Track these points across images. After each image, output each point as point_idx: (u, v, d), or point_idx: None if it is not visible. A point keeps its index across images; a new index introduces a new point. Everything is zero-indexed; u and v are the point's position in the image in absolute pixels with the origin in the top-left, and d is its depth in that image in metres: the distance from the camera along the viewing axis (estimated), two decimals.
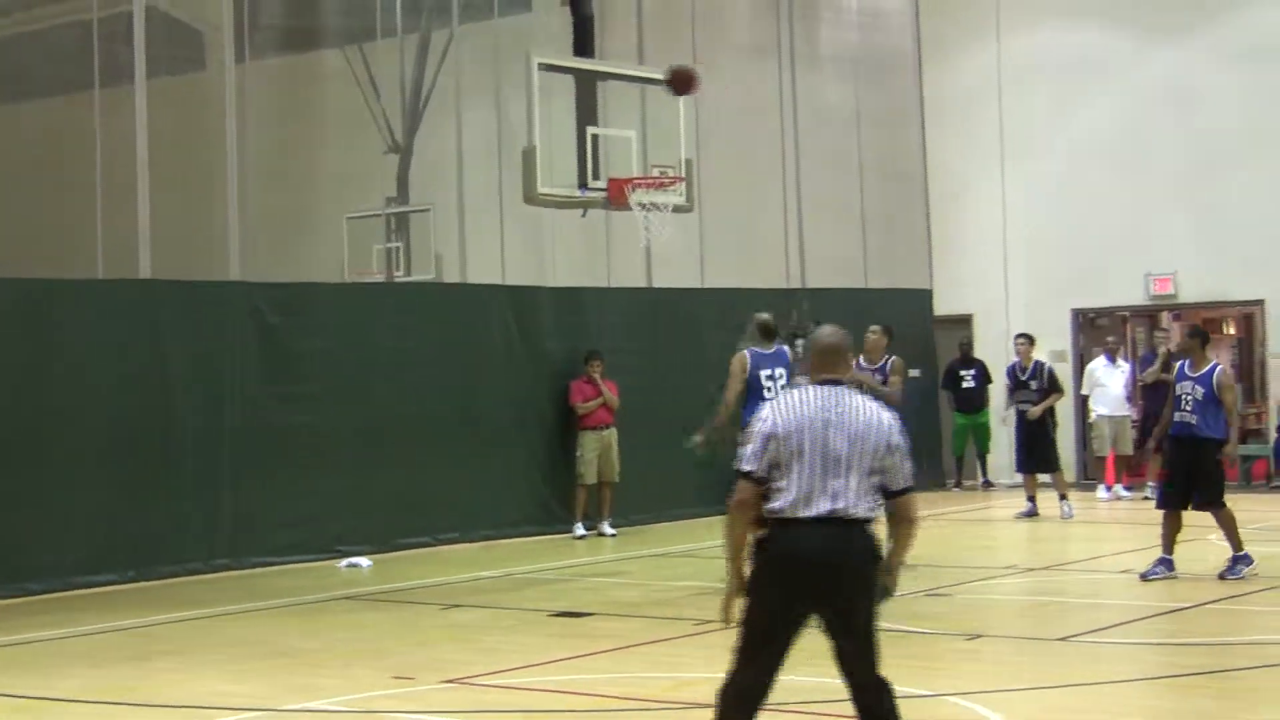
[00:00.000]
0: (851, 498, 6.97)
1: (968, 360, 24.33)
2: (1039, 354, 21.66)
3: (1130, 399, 23.06)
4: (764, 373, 14.46)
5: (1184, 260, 23.70)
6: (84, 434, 16.31)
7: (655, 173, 17.14)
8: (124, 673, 11.72)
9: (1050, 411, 20.88)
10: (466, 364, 19.53)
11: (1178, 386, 14.63)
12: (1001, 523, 20.51)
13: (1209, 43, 23.79)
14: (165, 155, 19.37)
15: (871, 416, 7.08)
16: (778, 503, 7.01)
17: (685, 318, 21.79)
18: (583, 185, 16.71)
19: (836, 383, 7.19)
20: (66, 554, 16.11)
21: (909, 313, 24.99)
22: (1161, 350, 22.66)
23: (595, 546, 19.21)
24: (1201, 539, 17.51)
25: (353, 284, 22.86)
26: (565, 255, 23.88)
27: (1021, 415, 20.90)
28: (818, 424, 7.01)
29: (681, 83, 16.31)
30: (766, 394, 14.02)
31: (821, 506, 6.96)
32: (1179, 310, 24.91)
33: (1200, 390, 14.37)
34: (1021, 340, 21.44)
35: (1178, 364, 14.93)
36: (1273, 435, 23.19)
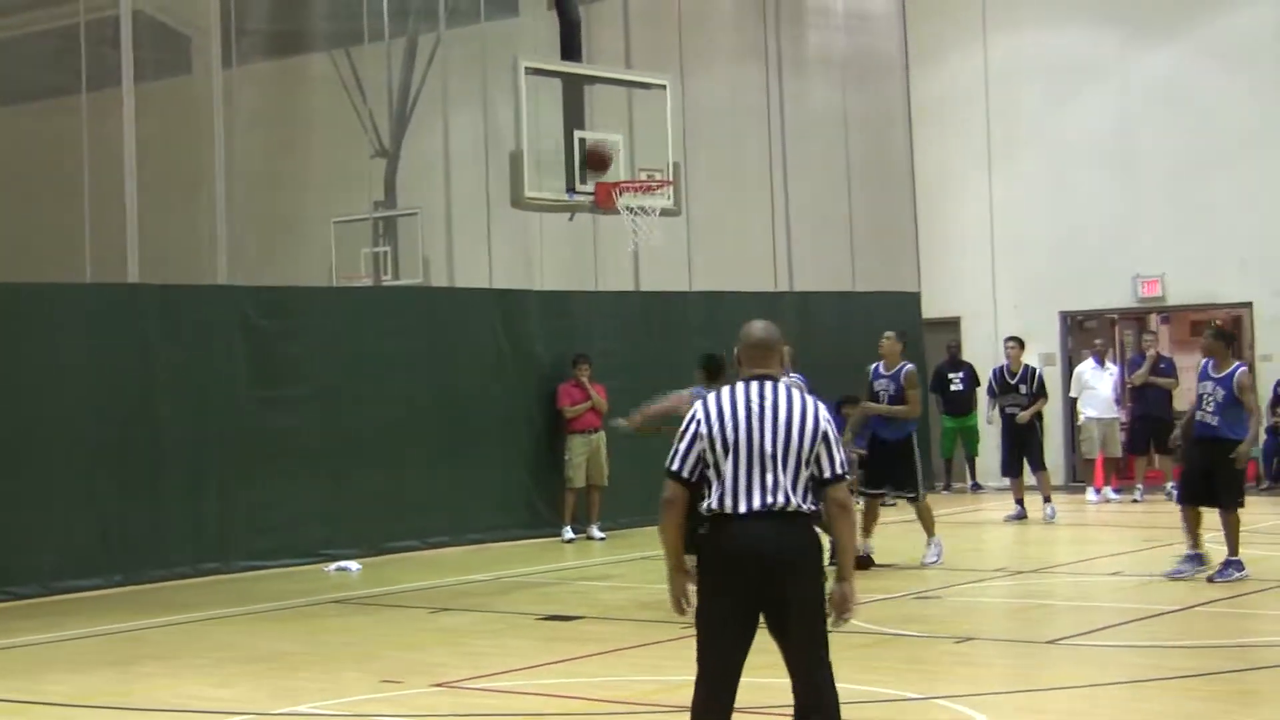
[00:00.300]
0: (786, 491, 6.95)
1: (956, 363, 24.32)
2: (1028, 358, 21.67)
3: (1119, 401, 23.07)
4: None
5: (1172, 262, 23.72)
6: (71, 438, 16.28)
7: (643, 176, 17.12)
8: (110, 677, 11.69)
9: (1038, 415, 20.91)
10: (454, 368, 19.51)
11: (1199, 387, 14.63)
12: (990, 525, 20.51)
13: (1195, 44, 23.82)
14: (152, 159, 19.34)
15: (802, 408, 7.07)
16: (713, 500, 7.02)
17: (673, 321, 21.77)
18: (570, 189, 16.70)
19: (767, 378, 7.17)
20: (53, 558, 16.08)
21: (897, 316, 24.97)
22: (1150, 353, 22.68)
23: (584, 550, 19.20)
24: None
25: (340, 288, 22.84)
26: (553, 259, 23.88)
27: (1009, 419, 20.89)
28: (749, 419, 7.01)
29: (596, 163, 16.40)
30: None
31: (756, 501, 6.95)
32: (1167, 312, 24.94)
33: (1221, 392, 14.36)
34: (1012, 344, 21.41)
35: (1201, 364, 14.92)
36: (1263, 438, 23.19)
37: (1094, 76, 24.53)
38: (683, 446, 7.11)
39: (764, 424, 7.01)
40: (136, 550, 16.68)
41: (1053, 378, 23.16)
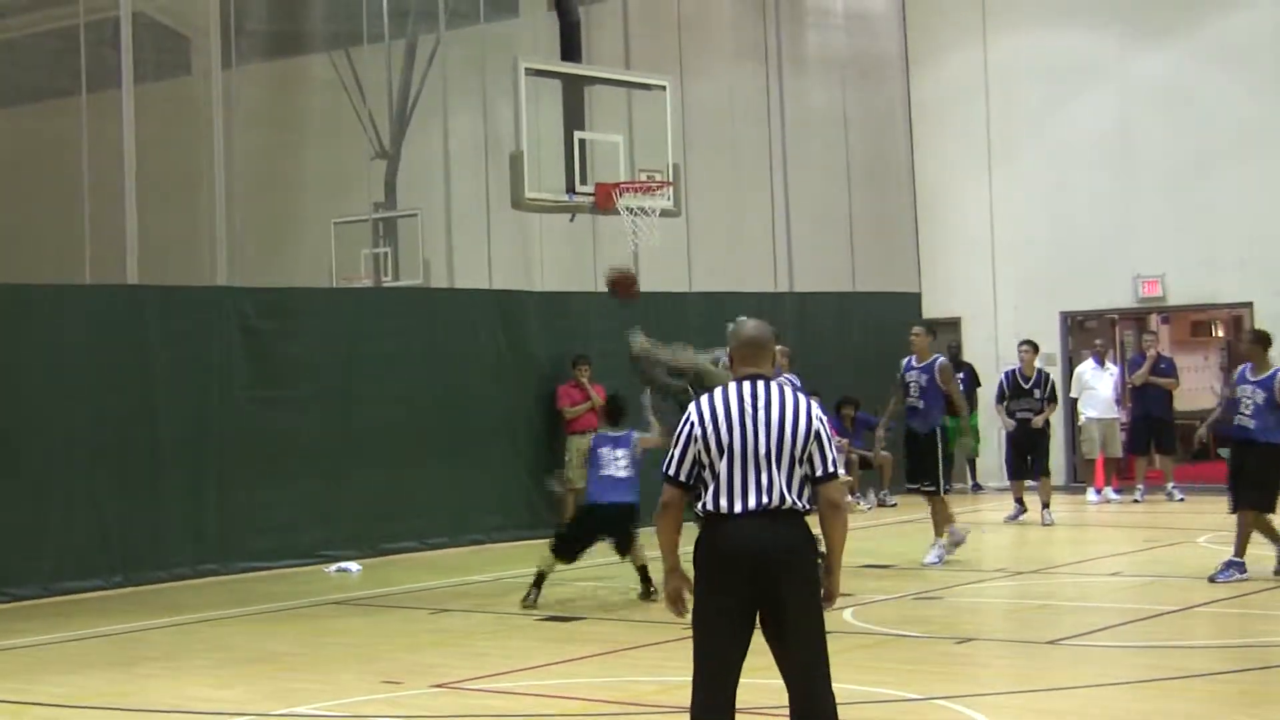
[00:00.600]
0: (780, 491, 6.95)
1: (956, 363, 24.19)
2: (1039, 361, 21.57)
3: (1119, 402, 23.05)
4: (603, 449, 14.70)
5: (1172, 262, 23.71)
6: (71, 439, 16.28)
7: (643, 177, 17.12)
8: (110, 678, 11.68)
9: (1047, 421, 20.82)
10: (454, 369, 19.51)
11: (1237, 390, 14.60)
12: (990, 526, 20.48)
13: (1195, 44, 23.80)
14: (152, 160, 19.32)
15: (794, 407, 7.07)
16: (708, 500, 7.02)
17: (673, 322, 21.73)
18: (570, 190, 16.70)
19: (759, 377, 7.17)
20: (52, 559, 16.08)
21: (897, 316, 24.99)
22: (1150, 353, 22.67)
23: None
24: (1189, 542, 17.55)
25: (339, 289, 22.82)
26: (553, 260, 23.85)
27: (1022, 424, 20.71)
28: (743, 419, 7.01)
29: (623, 289, 16.30)
30: (601, 471, 14.50)
31: (750, 501, 6.95)
32: (1168, 313, 24.93)
33: (1261, 394, 14.33)
34: (1025, 348, 21.21)
35: (1238, 368, 14.90)
36: None
37: (1094, 76, 24.52)
38: (678, 450, 7.12)
39: (757, 424, 7.01)
40: (136, 550, 16.68)
41: (1053, 378, 23.11)
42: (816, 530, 7.04)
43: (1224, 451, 15.88)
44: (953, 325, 25.43)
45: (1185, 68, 23.80)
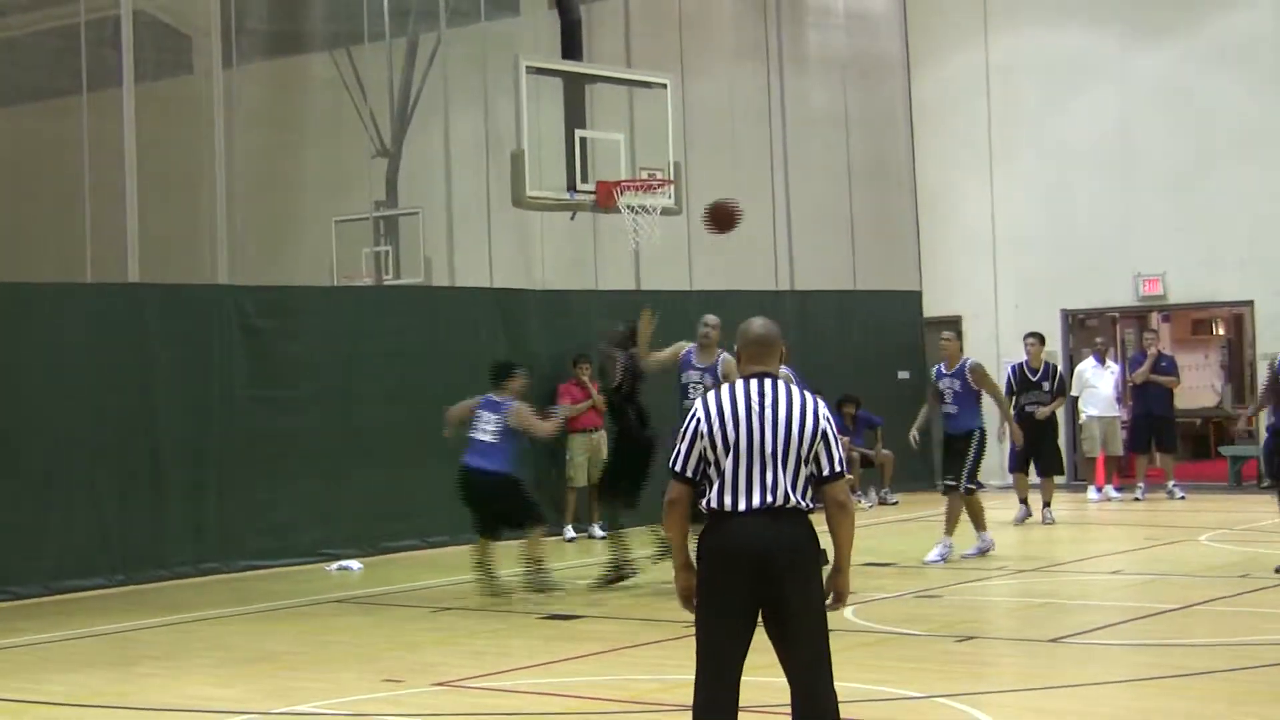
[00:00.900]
0: (786, 490, 6.93)
1: None
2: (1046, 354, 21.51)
3: (1120, 400, 23.04)
4: (481, 410, 15.25)
5: (1173, 261, 23.70)
6: (71, 437, 16.28)
7: (643, 175, 17.12)
8: (110, 677, 11.68)
9: (1053, 414, 20.78)
10: (455, 367, 19.47)
11: None
12: (992, 524, 20.44)
13: (1195, 43, 23.79)
14: (153, 159, 19.33)
15: (801, 406, 7.05)
16: (712, 498, 7.01)
17: (674, 321, 21.70)
18: (571, 188, 16.70)
19: (766, 375, 7.17)
20: (53, 558, 16.07)
21: (898, 315, 25.03)
22: (1151, 351, 22.66)
23: (585, 549, 19.19)
24: (1190, 540, 17.55)
25: (340, 287, 22.83)
26: (554, 258, 23.85)
27: (1028, 416, 20.64)
28: (749, 417, 7.00)
29: (723, 219, 15.23)
30: (471, 432, 15.07)
31: (755, 499, 6.94)
32: (1168, 311, 24.92)
33: None
34: (1032, 340, 21.09)
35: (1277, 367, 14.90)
36: (1263, 435, 23.13)
37: (1094, 76, 24.51)
38: (684, 446, 7.10)
39: (764, 422, 6.99)
40: (136, 550, 16.67)
41: (1060, 369, 23.08)
42: (821, 529, 7.03)
43: None
44: (953, 324, 25.39)
45: (1185, 67, 23.79)
